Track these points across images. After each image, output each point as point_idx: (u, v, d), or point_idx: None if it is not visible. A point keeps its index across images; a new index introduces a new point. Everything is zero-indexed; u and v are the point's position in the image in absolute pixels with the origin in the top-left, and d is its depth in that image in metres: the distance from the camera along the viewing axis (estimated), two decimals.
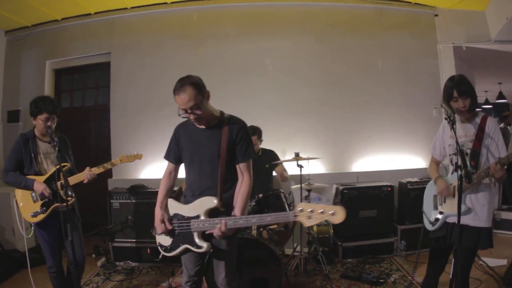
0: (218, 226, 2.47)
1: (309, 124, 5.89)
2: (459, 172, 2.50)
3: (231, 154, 2.64)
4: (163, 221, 2.68)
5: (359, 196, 5.07)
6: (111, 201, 5.05)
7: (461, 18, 5.96)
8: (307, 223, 2.26)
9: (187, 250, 2.65)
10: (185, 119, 2.74)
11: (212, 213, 2.57)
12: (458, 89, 2.75)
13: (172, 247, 2.70)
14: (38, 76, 6.16)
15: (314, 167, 5.56)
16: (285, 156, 5.60)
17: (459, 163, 2.52)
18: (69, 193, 2.77)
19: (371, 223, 5.08)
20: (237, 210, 2.58)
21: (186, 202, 2.70)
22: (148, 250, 4.58)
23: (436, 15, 6.01)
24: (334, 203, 5.20)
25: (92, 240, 5.27)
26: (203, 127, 2.66)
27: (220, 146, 2.60)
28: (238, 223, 2.49)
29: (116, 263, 4.93)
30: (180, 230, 2.66)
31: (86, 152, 6.21)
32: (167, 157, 2.86)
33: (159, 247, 2.80)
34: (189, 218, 2.61)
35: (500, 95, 10.23)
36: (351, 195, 5.06)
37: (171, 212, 2.73)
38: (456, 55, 5.99)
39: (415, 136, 5.99)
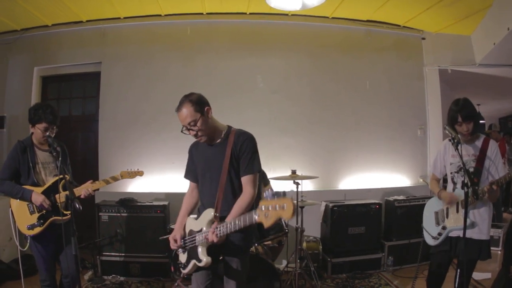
0: (204, 235, 2.49)
1: (298, 141, 5.93)
2: (466, 190, 2.64)
3: (236, 167, 2.62)
4: (174, 238, 2.69)
5: (348, 213, 5.15)
6: (100, 214, 4.93)
7: (448, 42, 6.19)
8: (266, 222, 2.09)
9: (197, 267, 2.63)
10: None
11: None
12: (462, 114, 2.92)
13: (186, 264, 2.69)
14: (25, 82, 5.95)
15: (303, 184, 5.57)
16: (274, 173, 5.42)
17: (466, 180, 2.65)
18: (77, 206, 2.66)
19: (360, 239, 5.15)
20: (228, 219, 2.48)
21: (198, 217, 2.70)
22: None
23: (424, 38, 6.23)
24: (324, 221, 5.25)
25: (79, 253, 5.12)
26: (206, 143, 2.66)
27: (224, 159, 2.59)
28: (221, 231, 2.39)
29: (103, 277, 4.81)
30: (191, 245, 2.65)
31: (72, 163, 6.02)
32: (186, 176, 2.89)
33: (179, 264, 2.79)
34: (196, 232, 2.62)
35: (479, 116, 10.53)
36: (340, 212, 5.13)
37: (187, 229, 2.72)
38: (441, 78, 6.19)
39: (400, 156, 6.15)
